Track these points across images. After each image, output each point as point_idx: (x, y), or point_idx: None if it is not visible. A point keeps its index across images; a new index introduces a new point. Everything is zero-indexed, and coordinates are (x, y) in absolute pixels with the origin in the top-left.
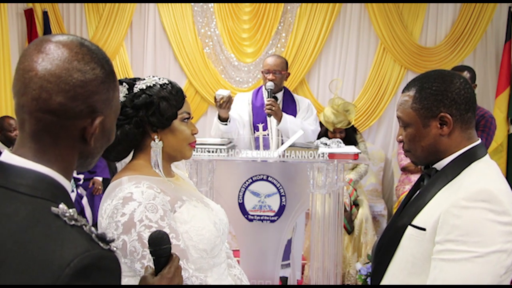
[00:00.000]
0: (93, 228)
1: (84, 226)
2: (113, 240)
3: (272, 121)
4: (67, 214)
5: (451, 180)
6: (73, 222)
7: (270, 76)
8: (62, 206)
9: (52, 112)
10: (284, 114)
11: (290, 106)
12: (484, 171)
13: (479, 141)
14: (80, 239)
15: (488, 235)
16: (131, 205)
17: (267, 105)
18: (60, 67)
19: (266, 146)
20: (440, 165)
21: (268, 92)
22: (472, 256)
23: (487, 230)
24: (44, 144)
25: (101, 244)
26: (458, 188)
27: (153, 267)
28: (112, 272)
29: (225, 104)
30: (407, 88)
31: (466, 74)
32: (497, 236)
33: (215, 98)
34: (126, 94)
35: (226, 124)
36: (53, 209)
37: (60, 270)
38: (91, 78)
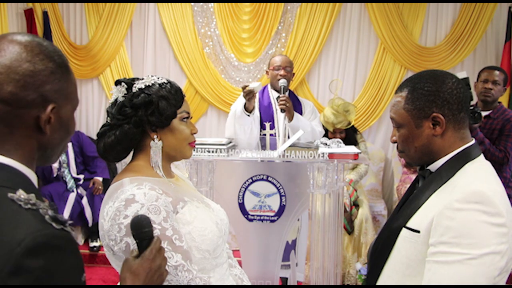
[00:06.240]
0: (49, 211)
1: (40, 210)
2: (66, 221)
3: (279, 120)
4: (23, 198)
5: (445, 182)
6: (28, 206)
7: (282, 72)
8: (20, 191)
9: (4, 101)
10: (295, 112)
11: (296, 108)
12: (478, 172)
13: (473, 141)
14: (33, 220)
15: (482, 237)
16: (134, 207)
17: (281, 100)
18: (10, 59)
19: (273, 146)
20: (434, 166)
21: (281, 88)
22: (465, 258)
23: (481, 232)
24: (0, 134)
25: (54, 225)
26: (452, 190)
27: (137, 250)
28: (65, 251)
29: (251, 94)
30: (399, 89)
31: (499, 75)
32: (490, 238)
33: (243, 89)
34: (125, 94)
35: (249, 115)
36: (10, 195)
37: (12, 250)
38: (41, 68)
